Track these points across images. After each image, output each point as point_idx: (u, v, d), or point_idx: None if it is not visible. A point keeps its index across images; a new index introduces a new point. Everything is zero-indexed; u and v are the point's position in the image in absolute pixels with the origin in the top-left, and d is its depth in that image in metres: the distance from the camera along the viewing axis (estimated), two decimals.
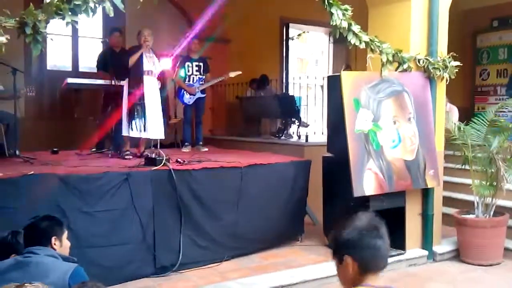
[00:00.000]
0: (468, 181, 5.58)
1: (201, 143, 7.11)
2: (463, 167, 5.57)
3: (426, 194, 5.34)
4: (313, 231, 5.84)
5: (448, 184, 6.16)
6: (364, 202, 4.80)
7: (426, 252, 5.32)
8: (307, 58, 15.51)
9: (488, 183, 5.27)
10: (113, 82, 6.04)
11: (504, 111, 6.63)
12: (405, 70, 5.12)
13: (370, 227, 1.89)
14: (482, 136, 5.38)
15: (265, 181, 5.30)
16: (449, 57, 5.28)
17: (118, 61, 6.07)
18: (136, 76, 5.66)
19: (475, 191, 5.33)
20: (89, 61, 8.27)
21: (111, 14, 3.50)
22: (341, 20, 4.67)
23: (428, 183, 5.17)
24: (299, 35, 11.84)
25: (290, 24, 10.63)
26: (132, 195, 4.38)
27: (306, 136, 7.45)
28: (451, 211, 5.73)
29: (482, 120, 5.46)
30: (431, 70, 5.19)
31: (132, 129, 5.63)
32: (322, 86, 10.38)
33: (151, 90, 5.70)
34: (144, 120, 5.56)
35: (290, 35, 10.87)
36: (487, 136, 5.33)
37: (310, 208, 6.10)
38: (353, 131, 4.76)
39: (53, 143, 6.43)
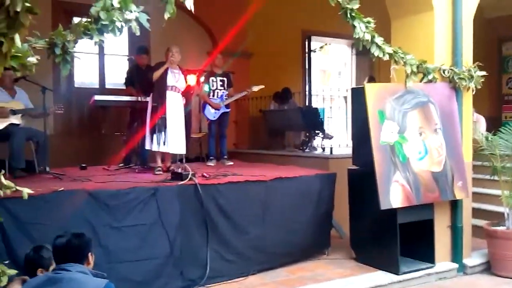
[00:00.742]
0: (497, 192, 5.51)
1: (225, 157, 7.13)
2: (492, 177, 5.48)
3: (455, 206, 5.27)
4: (339, 245, 5.80)
5: (477, 195, 6.06)
6: (392, 215, 4.76)
7: (456, 265, 5.23)
8: (330, 70, 15.45)
9: None
10: (139, 99, 6.15)
11: None
12: (430, 81, 5.09)
13: None
14: (511, 146, 5.30)
15: (290, 195, 5.28)
16: (475, 67, 5.23)
17: (143, 77, 6.16)
18: (159, 90, 5.74)
19: (505, 202, 5.24)
20: (115, 78, 8.45)
21: (138, 33, 3.55)
22: (364, 32, 4.67)
23: (457, 194, 5.10)
24: (321, 47, 11.85)
25: (312, 37, 10.68)
26: (159, 209, 4.42)
27: (331, 149, 7.44)
28: (481, 222, 5.64)
29: (510, 129, 5.39)
30: (457, 81, 5.14)
31: (153, 143, 5.70)
32: (345, 97, 10.36)
33: (174, 105, 5.78)
34: (165, 134, 5.63)
35: (312, 48, 10.89)
36: None
37: (336, 222, 6.05)
38: (378, 143, 4.73)
39: (81, 159, 6.55)
